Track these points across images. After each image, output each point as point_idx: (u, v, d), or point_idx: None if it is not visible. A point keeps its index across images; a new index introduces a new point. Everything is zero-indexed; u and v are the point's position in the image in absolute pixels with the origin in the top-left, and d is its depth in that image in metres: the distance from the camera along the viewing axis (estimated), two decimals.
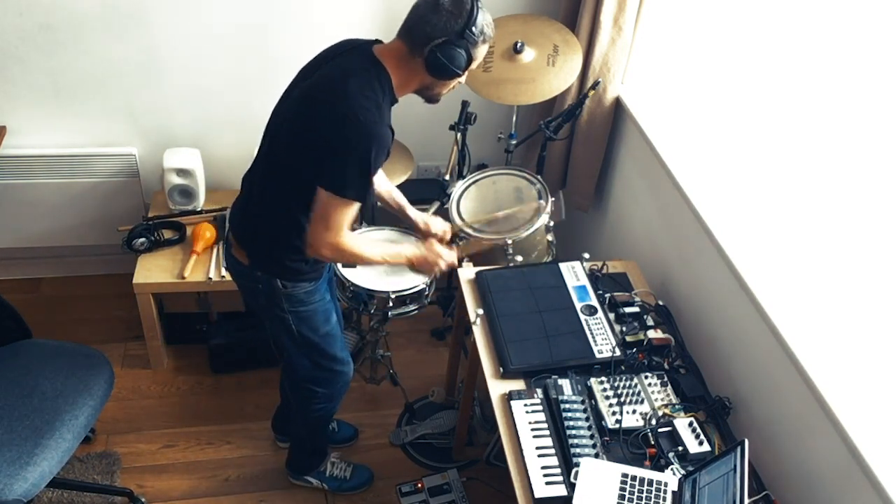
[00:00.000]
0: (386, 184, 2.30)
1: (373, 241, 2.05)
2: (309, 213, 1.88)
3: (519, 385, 2.03)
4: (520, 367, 2.05)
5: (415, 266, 2.15)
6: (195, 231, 2.85)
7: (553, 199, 2.50)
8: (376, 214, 3.02)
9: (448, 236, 2.35)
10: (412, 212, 2.32)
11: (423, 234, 2.33)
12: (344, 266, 2.56)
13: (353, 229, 2.67)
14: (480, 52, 1.85)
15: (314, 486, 2.62)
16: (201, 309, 2.96)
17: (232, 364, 2.99)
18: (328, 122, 1.79)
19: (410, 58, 1.83)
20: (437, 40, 1.77)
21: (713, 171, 2.33)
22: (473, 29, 1.77)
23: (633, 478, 1.77)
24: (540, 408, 1.95)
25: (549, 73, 2.55)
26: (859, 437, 1.62)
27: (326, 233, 1.86)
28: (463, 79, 1.90)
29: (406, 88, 1.90)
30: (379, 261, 2.07)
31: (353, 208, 1.86)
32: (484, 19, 1.80)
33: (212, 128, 3.00)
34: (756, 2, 2.28)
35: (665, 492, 1.76)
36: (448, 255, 2.16)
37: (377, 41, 1.91)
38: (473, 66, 1.86)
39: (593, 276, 2.34)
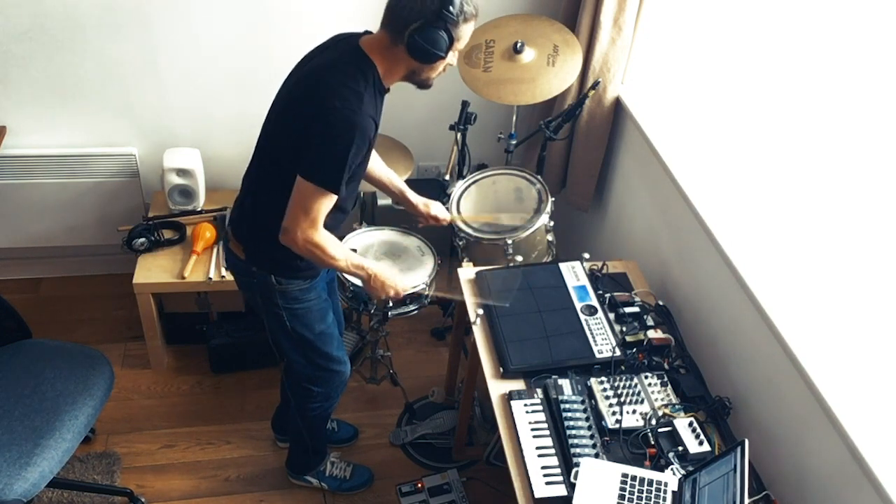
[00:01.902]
0: (385, 169, 2.30)
1: (344, 249, 2.03)
2: None
3: (519, 385, 2.03)
4: (520, 367, 2.05)
5: (367, 284, 2.11)
6: (195, 231, 2.85)
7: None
8: (376, 214, 3.02)
9: (446, 221, 2.38)
10: (412, 195, 2.33)
11: (423, 217, 2.35)
12: None
13: (352, 229, 2.69)
14: (463, 31, 1.82)
15: (314, 486, 2.62)
16: (201, 309, 2.96)
17: (232, 364, 2.99)
18: (309, 114, 1.80)
19: (393, 45, 1.82)
20: (414, 24, 1.76)
21: (713, 171, 2.33)
22: (451, 8, 1.74)
23: (633, 478, 1.77)
24: (540, 408, 1.95)
25: (549, 73, 2.55)
26: (859, 437, 1.62)
27: (304, 221, 1.85)
28: (452, 60, 1.88)
29: (393, 76, 1.89)
30: (342, 266, 2.01)
31: (329, 199, 1.84)
32: None
33: (212, 128, 3.00)
34: (756, 2, 2.28)
35: (665, 492, 1.76)
36: (401, 285, 2.14)
37: (366, 32, 1.91)
38: (459, 46, 1.84)
39: (593, 276, 2.34)
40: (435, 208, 2.36)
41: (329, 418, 2.59)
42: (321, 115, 1.78)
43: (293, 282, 2.07)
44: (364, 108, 1.79)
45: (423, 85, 1.94)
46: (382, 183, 2.31)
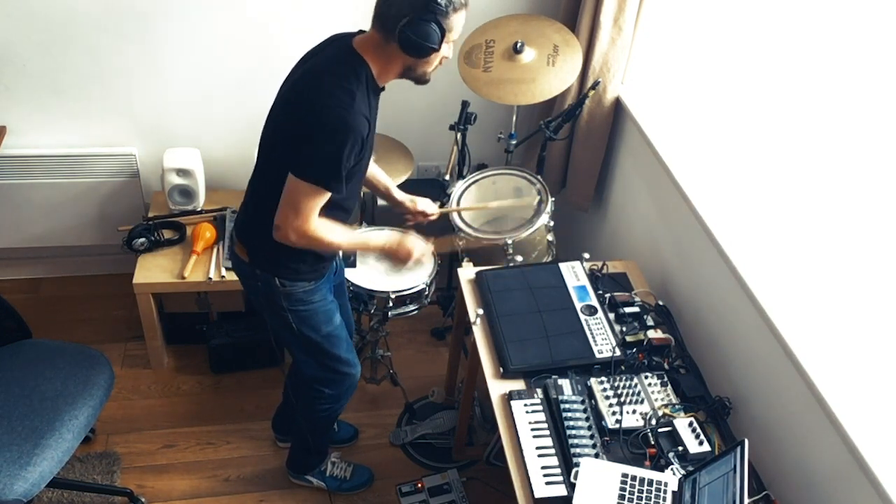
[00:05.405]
0: (371, 166, 2.27)
1: (342, 229, 2.03)
2: None
3: (519, 385, 2.03)
4: (520, 367, 2.05)
5: (386, 254, 2.13)
6: (195, 231, 2.85)
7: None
8: (376, 214, 3.02)
9: (435, 216, 2.36)
10: (397, 192, 2.31)
11: (411, 213, 2.33)
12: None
13: (352, 230, 2.68)
14: (455, 21, 1.80)
15: (314, 486, 2.63)
16: (201, 309, 2.96)
17: (232, 364, 2.99)
18: (302, 115, 1.80)
19: (385, 43, 1.81)
20: (404, 19, 1.75)
21: (713, 171, 2.33)
22: (439, 0, 1.74)
23: (633, 478, 1.77)
24: (540, 408, 1.95)
25: (549, 73, 2.55)
26: (859, 437, 1.62)
27: (294, 218, 1.85)
28: (448, 53, 1.87)
29: (388, 74, 1.89)
30: (346, 246, 2.04)
31: (322, 197, 1.84)
32: None
33: (212, 128, 3.00)
34: (756, 2, 2.28)
35: (665, 492, 1.76)
36: (420, 249, 2.14)
37: (360, 32, 1.91)
38: (453, 37, 1.83)
39: (593, 276, 2.34)
40: (422, 203, 2.33)
41: (336, 420, 2.59)
42: (313, 114, 1.78)
43: (297, 284, 2.07)
44: (356, 107, 1.79)
45: (421, 80, 1.93)
46: (367, 179, 2.27)
